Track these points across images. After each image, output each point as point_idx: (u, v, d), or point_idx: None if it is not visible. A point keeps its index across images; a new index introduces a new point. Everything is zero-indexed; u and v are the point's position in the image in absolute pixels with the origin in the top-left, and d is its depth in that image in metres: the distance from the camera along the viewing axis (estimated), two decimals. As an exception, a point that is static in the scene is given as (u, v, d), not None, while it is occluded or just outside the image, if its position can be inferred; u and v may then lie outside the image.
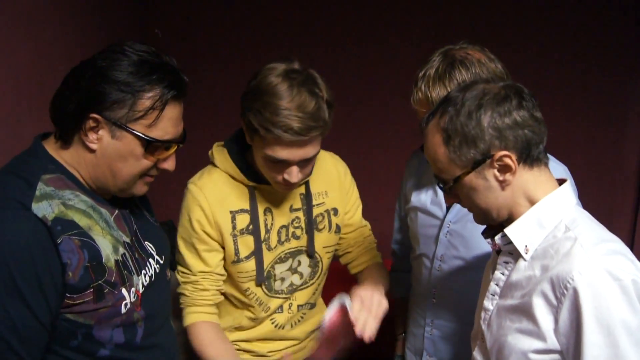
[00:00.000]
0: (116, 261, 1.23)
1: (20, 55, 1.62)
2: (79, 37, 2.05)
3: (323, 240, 1.72)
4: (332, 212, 1.72)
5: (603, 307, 1.06)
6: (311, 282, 1.75)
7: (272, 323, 1.73)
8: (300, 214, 1.68)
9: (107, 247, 1.22)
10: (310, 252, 1.70)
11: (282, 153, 1.44)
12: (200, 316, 1.63)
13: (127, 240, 1.30)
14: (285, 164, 1.47)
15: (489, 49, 1.53)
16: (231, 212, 1.60)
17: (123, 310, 1.24)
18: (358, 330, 1.37)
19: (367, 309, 1.42)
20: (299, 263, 1.71)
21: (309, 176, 1.61)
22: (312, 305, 1.79)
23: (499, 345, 1.21)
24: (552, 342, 1.12)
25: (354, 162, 1.84)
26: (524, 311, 1.16)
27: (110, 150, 1.20)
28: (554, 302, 1.11)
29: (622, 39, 3.03)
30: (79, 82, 1.18)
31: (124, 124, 1.18)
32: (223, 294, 1.69)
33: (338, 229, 1.75)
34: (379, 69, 3.00)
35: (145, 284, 1.32)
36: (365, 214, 1.85)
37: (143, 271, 1.32)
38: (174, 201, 1.84)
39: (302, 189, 1.67)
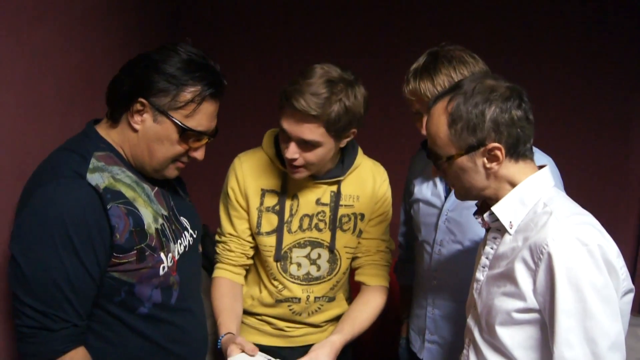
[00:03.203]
0: (156, 229, 1.42)
1: (72, 59, 1.83)
2: (121, 42, 2.28)
3: (346, 240, 1.85)
4: (359, 217, 1.85)
5: (573, 268, 1.21)
6: (329, 277, 1.87)
7: (290, 309, 1.87)
8: (327, 210, 1.82)
9: (149, 216, 1.41)
10: (331, 247, 1.84)
11: (284, 122, 1.62)
12: (222, 272, 1.84)
13: (165, 213, 1.49)
14: (287, 138, 1.63)
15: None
16: (262, 189, 1.79)
17: (161, 272, 1.43)
18: None
19: None
20: (319, 256, 1.85)
21: (313, 167, 1.70)
22: (331, 299, 1.92)
23: (488, 309, 1.36)
24: (532, 301, 1.27)
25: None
26: (508, 276, 1.31)
27: (150, 132, 1.40)
28: (532, 266, 1.26)
29: (628, 51, 3.11)
30: (133, 70, 1.39)
31: (165, 110, 1.38)
32: (253, 264, 1.88)
33: (360, 233, 1.87)
34: (388, 75, 3.09)
35: (180, 252, 1.51)
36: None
37: (179, 241, 1.51)
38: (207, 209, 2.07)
39: (334, 188, 1.82)
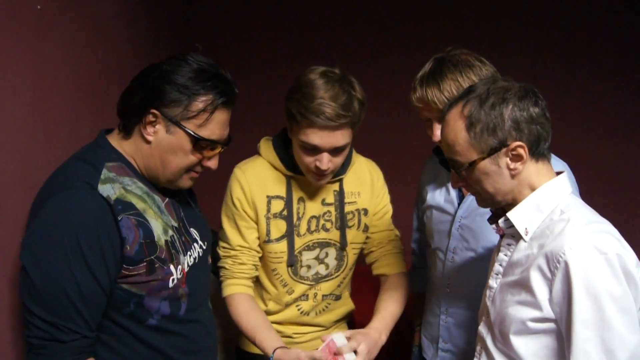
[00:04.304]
0: (166, 241, 1.41)
1: (82, 66, 1.83)
2: (131, 49, 2.28)
3: (351, 237, 1.87)
4: (362, 212, 1.88)
5: (590, 278, 1.19)
6: (336, 274, 1.89)
7: (298, 309, 1.88)
8: (332, 209, 1.84)
9: (159, 228, 1.40)
10: (343, 245, 1.85)
11: (314, 138, 1.62)
12: (238, 288, 1.80)
13: (175, 224, 1.48)
14: (317, 151, 1.65)
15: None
16: (268, 196, 1.79)
17: (170, 284, 1.42)
18: None
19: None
20: (327, 254, 1.85)
21: (337, 169, 1.74)
22: (337, 297, 1.93)
23: (501, 317, 1.35)
24: (548, 311, 1.25)
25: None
26: (523, 285, 1.29)
27: (163, 143, 1.39)
28: (549, 274, 1.24)
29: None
30: (145, 81, 1.38)
31: (178, 121, 1.37)
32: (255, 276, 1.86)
33: (366, 228, 1.90)
34: (398, 78, 3.09)
35: (190, 264, 1.49)
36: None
37: (188, 252, 1.50)
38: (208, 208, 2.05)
39: (336, 187, 1.84)
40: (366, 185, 1.89)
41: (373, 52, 3.24)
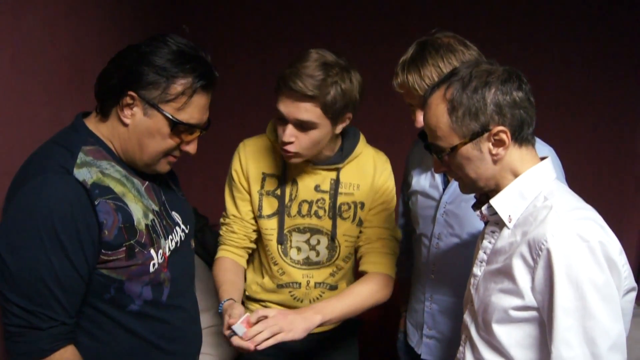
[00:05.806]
0: (146, 225, 1.39)
1: (62, 48, 1.79)
2: (114, 32, 2.24)
3: (345, 229, 1.85)
4: (359, 205, 1.85)
5: (573, 265, 1.17)
6: (327, 263, 1.88)
7: (291, 295, 1.88)
8: (327, 197, 1.83)
9: (139, 212, 1.38)
10: (332, 236, 1.84)
11: (281, 105, 1.64)
12: (225, 253, 1.87)
13: (156, 208, 1.46)
14: (284, 121, 1.66)
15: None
16: (263, 173, 1.83)
17: (151, 269, 1.40)
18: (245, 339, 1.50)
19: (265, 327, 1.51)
20: (318, 242, 1.85)
21: (307, 151, 1.69)
22: (332, 287, 1.90)
23: (484, 305, 1.33)
24: (530, 299, 1.24)
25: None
26: (506, 272, 1.28)
27: (141, 126, 1.36)
28: (531, 262, 1.23)
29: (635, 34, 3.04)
30: (123, 62, 1.35)
31: (156, 103, 1.34)
32: (255, 250, 1.91)
33: (360, 222, 1.87)
34: (384, 67, 3.06)
35: (171, 248, 1.48)
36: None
37: (170, 236, 1.48)
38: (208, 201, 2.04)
39: (334, 175, 1.83)
40: (367, 178, 1.85)
41: (361, 36, 3.20)
